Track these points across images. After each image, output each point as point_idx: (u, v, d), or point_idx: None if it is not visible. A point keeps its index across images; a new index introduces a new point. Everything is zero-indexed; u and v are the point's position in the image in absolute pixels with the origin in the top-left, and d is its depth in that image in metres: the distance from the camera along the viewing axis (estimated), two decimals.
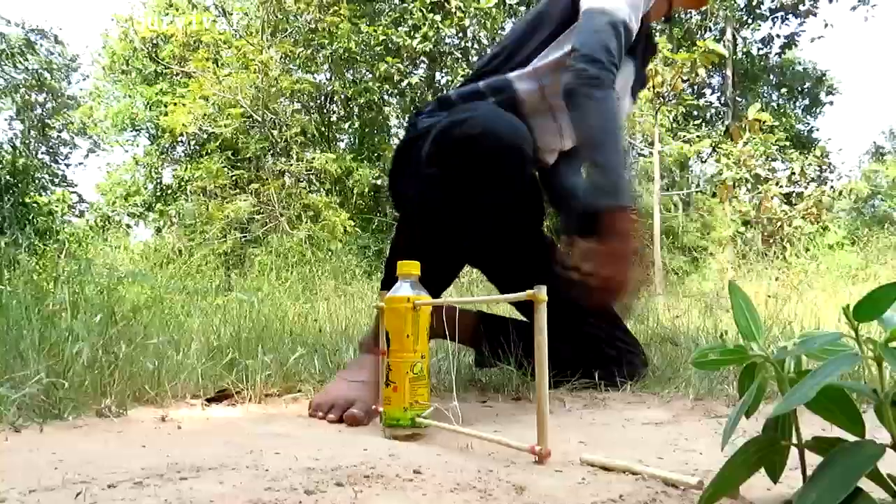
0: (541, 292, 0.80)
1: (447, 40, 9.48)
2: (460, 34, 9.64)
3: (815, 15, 13.11)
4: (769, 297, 2.77)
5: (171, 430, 1.05)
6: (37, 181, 12.03)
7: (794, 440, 0.60)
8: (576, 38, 1.26)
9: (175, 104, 8.46)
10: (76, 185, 14.17)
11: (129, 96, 11.03)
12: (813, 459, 0.56)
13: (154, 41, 9.66)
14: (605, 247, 1.16)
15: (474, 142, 1.11)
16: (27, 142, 13.76)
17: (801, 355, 0.62)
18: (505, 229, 1.32)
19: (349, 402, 1.13)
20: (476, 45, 10.07)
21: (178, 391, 1.31)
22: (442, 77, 9.89)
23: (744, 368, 0.65)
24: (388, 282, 1.13)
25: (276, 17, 8.72)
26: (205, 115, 8.26)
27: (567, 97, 1.23)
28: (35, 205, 9.41)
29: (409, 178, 1.28)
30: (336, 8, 8.75)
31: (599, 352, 1.44)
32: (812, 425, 0.67)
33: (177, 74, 9.34)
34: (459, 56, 9.84)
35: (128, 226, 10.16)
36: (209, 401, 1.30)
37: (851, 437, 0.56)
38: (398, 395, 0.98)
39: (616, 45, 1.24)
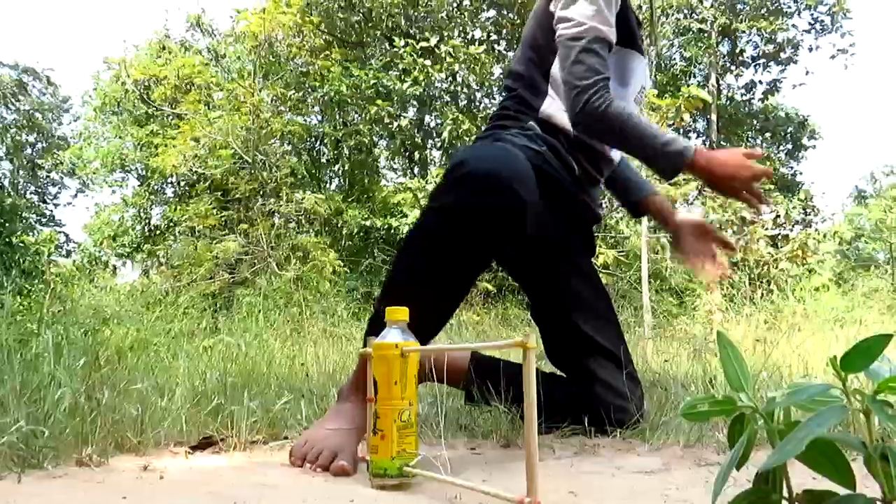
0: (529, 340, 0.80)
1: (437, 84, 9.63)
2: (450, 78, 9.79)
3: (795, 62, 13.45)
4: (757, 340, 2.78)
5: (153, 480, 1.03)
6: (24, 221, 11.98)
7: (785, 493, 0.60)
8: (561, 74, 1.35)
9: (165, 145, 8.50)
10: (64, 225, 14.12)
11: (120, 137, 11.07)
12: None
13: (146, 83, 9.74)
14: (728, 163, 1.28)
15: (468, 181, 1.14)
16: (16, 181, 13.74)
17: (791, 405, 0.62)
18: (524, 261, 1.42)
19: (333, 452, 1.10)
20: (465, 90, 10.23)
21: (162, 438, 1.28)
22: (431, 120, 10.01)
23: (733, 419, 0.64)
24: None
25: (269, 60, 8.84)
26: (195, 156, 8.29)
27: (584, 133, 1.37)
28: (21, 244, 9.34)
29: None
30: (327, 52, 8.88)
31: (592, 397, 1.43)
32: (802, 474, 0.66)
33: (168, 116, 9.40)
34: (449, 100, 9.98)
35: (115, 266, 10.09)
36: (193, 449, 1.28)
37: (842, 490, 0.56)
38: (385, 443, 0.97)
39: (595, 59, 1.31)
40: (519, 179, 1.15)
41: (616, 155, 1.56)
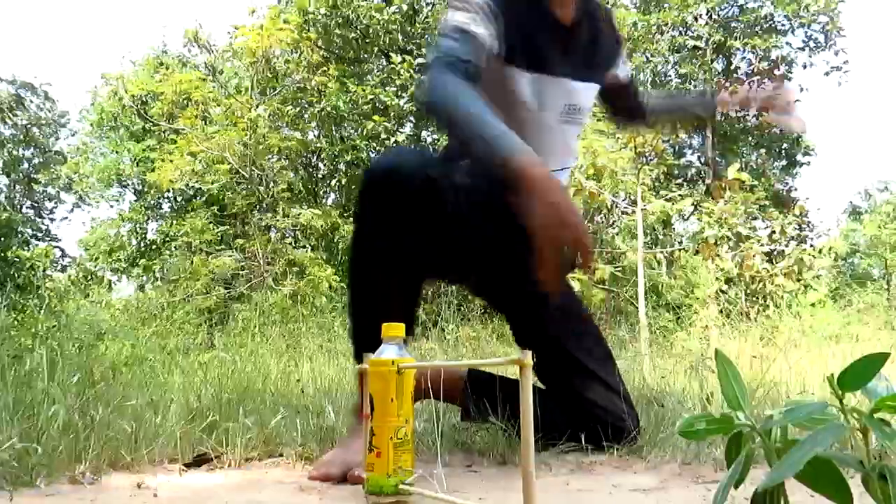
0: (526, 357, 0.80)
1: None
2: None
3: (789, 80, 13.54)
4: (753, 357, 2.77)
5: (146, 498, 1.02)
6: (20, 235, 11.97)
7: None
8: None
9: (162, 160, 8.51)
10: (60, 240, 14.09)
11: (117, 152, 11.10)
12: None
13: (143, 98, 9.77)
14: (536, 208, 1.05)
15: (364, 181, 1.22)
16: (12, 196, 13.73)
17: (788, 424, 0.62)
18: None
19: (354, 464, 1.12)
20: None
21: (156, 456, 1.27)
22: (428, 135, 10.05)
23: (731, 437, 0.64)
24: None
25: (266, 76, 8.88)
26: (192, 171, 8.30)
27: (426, 112, 1.38)
28: (17, 259, 9.32)
29: None
30: (325, 68, 8.93)
31: (588, 413, 1.42)
32: (800, 492, 0.66)
33: (165, 131, 9.42)
34: None
35: (110, 281, 10.06)
36: (187, 466, 1.27)
37: None
38: (381, 461, 0.96)
39: (446, 42, 1.24)
40: (406, 160, 1.20)
41: (562, 176, 1.47)
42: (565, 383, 1.44)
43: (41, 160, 14.33)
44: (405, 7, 9.65)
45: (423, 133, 10.07)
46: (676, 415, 1.68)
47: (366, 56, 10.11)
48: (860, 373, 0.54)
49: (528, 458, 0.79)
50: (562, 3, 1.38)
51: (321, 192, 10.20)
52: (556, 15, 1.39)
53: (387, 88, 9.19)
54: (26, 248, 10.96)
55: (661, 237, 10.67)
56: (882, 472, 0.54)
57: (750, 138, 14.30)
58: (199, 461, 1.29)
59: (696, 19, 12.68)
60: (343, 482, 1.11)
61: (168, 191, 9.09)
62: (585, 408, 1.42)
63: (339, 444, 1.25)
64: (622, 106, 1.69)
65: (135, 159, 10.58)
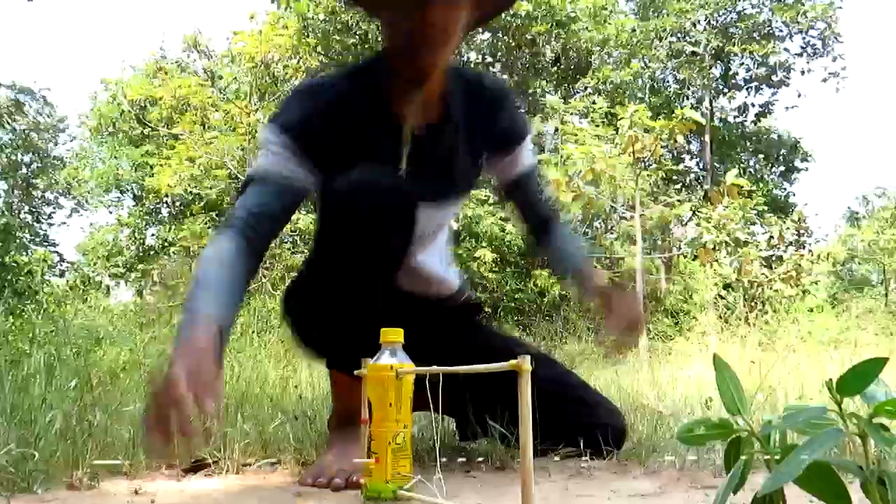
0: (525, 362, 0.80)
1: None
2: None
3: (787, 85, 13.60)
4: (752, 362, 2.77)
5: (144, 503, 1.02)
6: (17, 240, 11.95)
7: None
8: None
9: (161, 165, 8.51)
10: (58, 245, 14.10)
11: (115, 157, 11.10)
12: None
13: (142, 104, 9.78)
14: None
15: None
16: (10, 201, 13.72)
17: (787, 429, 0.62)
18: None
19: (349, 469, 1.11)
20: None
21: (153, 461, 1.27)
22: None
23: (730, 442, 0.64)
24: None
25: (265, 81, 8.89)
26: (191, 176, 8.30)
27: None
28: (14, 264, 9.31)
29: None
30: (323, 73, 8.94)
31: (584, 417, 1.42)
32: (799, 498, 0.66)
33: (164, 136, 9.43)
34: None
35: (108, 287, 10.05)
36: (185, 471, 1.26)
37: None
38: (380, 466, 0.96)
39: (240, 200, 1.13)
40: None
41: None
42: (558, 405, 1.38)
43: (40, 165, 14.34)
44: None
45: None
46: (675, 420, 1.68)
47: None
48: (859, 377, 0.54)
49: (526, 463, 0.79)
50: (416, 105, 1.14)
51: None
52: (402, 123, 1.17)
53: None
54: (24, 253, 10.94)
55: (659, 242, 10.68)
56: (881, 477, 0.54)
57: (748, 143, 14.34)
58: (197, 467, 1.29)
59: (694, 25, 12.73)
60: (337, 488, 1.10)
61: (167, 196, 9.09)
62: (584, 413, 1.41)
63: (332, 448, 1.24)
64: (518, 201, 1.44)
65: (133, 164, 10.59)
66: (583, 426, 1.40)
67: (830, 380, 0.55)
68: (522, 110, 1.45)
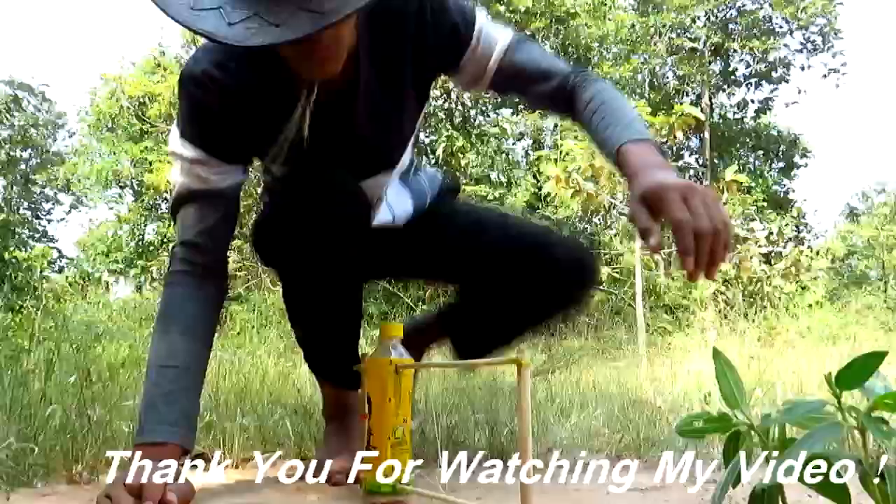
0: (523, 356, 0.80)
1: (432, 102, 9.68)
2: (444, 95, 9.85)
3: (787, 81, 13.59)
4: (751, 357, 2.78)
5: None
6: (17, 236, 11.95)
7: None
8: None
9: (160, 161, 8.49)
10: (57, 241, 14.09)
11: (114, 153, 11.08)
12: None
13: (141, 99, 9.76)
14: None
15: None
16: (9, 197, 13.71)
17: (786, 422, 0.62)
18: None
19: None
20: (460, 107, 10.29)
21: None
22: (426, 136, 10.05)
23: (729, 436, 0.64)
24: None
25: None
26: None
27: None
28: (14, 260, 9.31)
29: None
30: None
31: (549, 257, 1.22)
32: (798, 491, 0.66)
33: (163, 132, 9.41)
34: (443, 117, 10.03)
35: (107, 283, 10.05)
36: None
37: None
38: (379, 460, 0.96)
39: (180, 227, 1.13)
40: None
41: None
42: (515, 253, 1.24)
43: (39, 161, 14.33)
44: None
45: (422, 135, 10.06)
46: (674, 414, 1.68)
47: None
48: (858, 371, 0.54)
49: (525, 457, 0.79)
50: (319, 61, 0.94)
51: None
52: (313, 80, 1.04)
53: None
54: (24, 249, 10.94)
55: None
56: (880, 471, 0.54)
57: (747, 140, 14.33)
58: (197, 461, 1.29)
59: (693, 21, 12.71)
60: (337, 483, 1.10)
61: (166, 192, 9.06)
62: (543, 256, 1.23)
63: (329, 440, 1.24)
64: (527, 94, 1.18)
65: (133, 160, 10.57)
66: (542, 260, 1.23)
67: (829, 373, 0.55)
68: (460, 7, 1.15)
